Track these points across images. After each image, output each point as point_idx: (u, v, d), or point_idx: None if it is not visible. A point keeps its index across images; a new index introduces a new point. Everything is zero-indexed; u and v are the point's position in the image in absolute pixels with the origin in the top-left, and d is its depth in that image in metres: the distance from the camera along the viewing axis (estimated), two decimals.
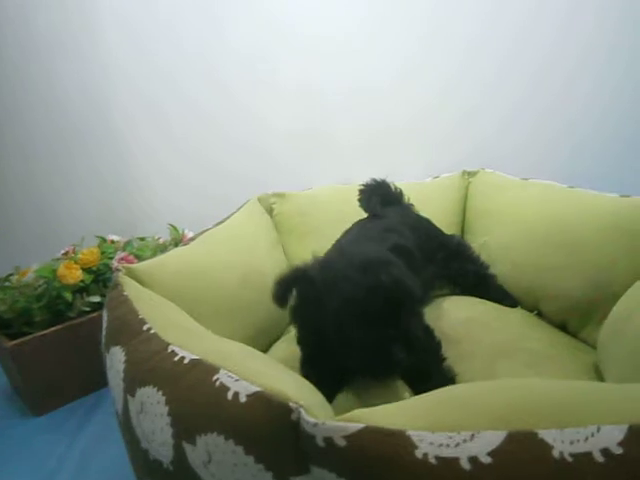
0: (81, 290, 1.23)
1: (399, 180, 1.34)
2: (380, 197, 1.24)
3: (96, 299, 1.23)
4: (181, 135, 1.75)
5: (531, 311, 1.14)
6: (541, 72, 1.73)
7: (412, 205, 1.30)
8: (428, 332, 0.89)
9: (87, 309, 1.23)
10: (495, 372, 0.85)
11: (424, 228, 1.21)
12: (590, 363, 0.91)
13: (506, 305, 1.14)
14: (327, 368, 0.81)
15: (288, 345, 1.05)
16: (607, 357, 0.85)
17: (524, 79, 1.75)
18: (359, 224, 1.19)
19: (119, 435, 1.01)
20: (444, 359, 0.84)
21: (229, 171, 1.77)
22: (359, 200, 1.25)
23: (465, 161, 1.57)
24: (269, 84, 1.74)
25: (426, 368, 0.81)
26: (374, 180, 1.28)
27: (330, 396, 0.76)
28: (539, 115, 1.76)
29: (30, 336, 1.16)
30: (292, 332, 1.14)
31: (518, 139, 1.78)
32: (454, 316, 1.03)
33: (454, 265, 1.18)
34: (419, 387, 0.78)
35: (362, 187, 1.27)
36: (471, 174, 1.51)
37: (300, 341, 0.88)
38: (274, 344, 1.09)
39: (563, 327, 1.09)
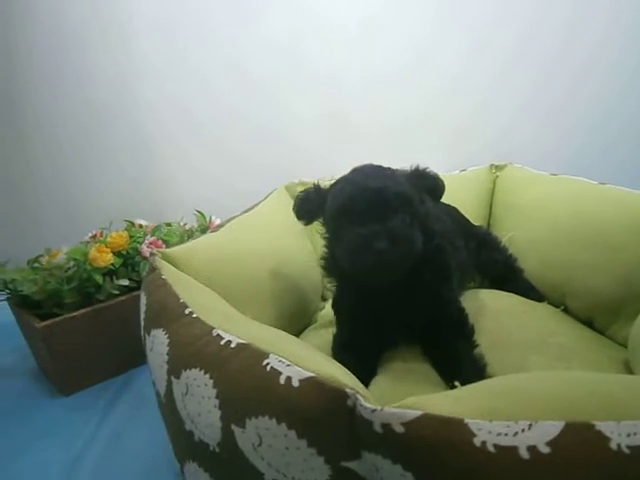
0: (110, 273, 1.25)
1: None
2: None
3: (125, 282, 1.25)
4: (205, 126, 1.75)
5: (557, 306, 1.14)
6: (559, 53, 1.74)
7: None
8: (464, 315, 0.90)
9: (116, 292, 1.24)
10: (526, 364, 0.85)
11: (454, 217, 1.21)
12: (620, 359, 0.91)
13: (533, 299, 1.14)
14: (363, 349, 0.83)
15: (317, 333, 1.06)
16: (638, 354, 0.84)
17: (541, 63, 1.75)
18: None
19: (149, 416, 1.05)
20: (476, 345, 0.85)
21: (253, 161, 1.77)
22: None
23: (485, 149, 1.58)
24: (294, 73, 1.74)
25: (457, 353, 0.82)
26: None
27: (365, 382, 0.77)
28: (558, 99, 1.78)
29: (60, 317, 1.17)
30: (320, 321, 1.16)
31: (537, 124, 1.79)
32: (483, 307, 1.03)
33: (483, 255, 1.18)
34: (450, 372, 0.79)
35: None
36: (499, 168, 1.51)
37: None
38: (303, 332, 1.10)
39: (590, 323, 1.09)
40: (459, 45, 1.75)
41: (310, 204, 0.90)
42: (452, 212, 1.23)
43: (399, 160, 1.38)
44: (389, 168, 0.85)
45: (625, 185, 1.12)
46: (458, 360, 0.81)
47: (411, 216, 0.77)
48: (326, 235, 0.91)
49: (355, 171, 0.85)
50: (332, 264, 0.91)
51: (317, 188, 0.91)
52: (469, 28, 1.72)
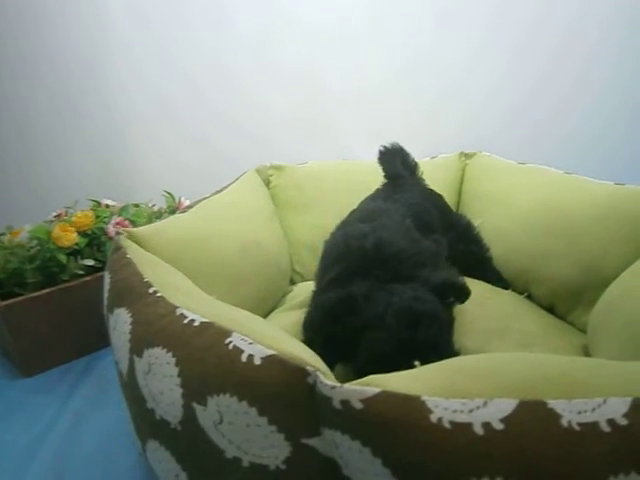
0: (75, 253, 1.22)
1: None
2: (401, 162, 1.27)
3: (90, 263, 1.22)
4: (177, 109, 1.72)
5: (521, 293, 1.17)
6: (528, 41, 1.76)
7: (423, 179, 1.32)
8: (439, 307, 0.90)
9: (80, 272, 1.22)
10: (488, 349, 0.87)
11: (438, 204, 1.23)
12: (579, 344, 0.94)
13: (499, 287, 1.16)
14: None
15: (285, 315, 1.07)
16: (597, 340, 0.87)
17: (511, 53, 1.77)
18: (378, 199, 1.17)
19: (112, 398, 1.04)
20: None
21: (226, 151, 1.75)
22: (380, 161, 1.27)
23: (454, 137, 1.61)
24: (271, 68, 1.73)
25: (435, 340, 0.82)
26: (394, 144, 1.28)
27: (331, 365, 0.77)
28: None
29: (22, 297, 1.14)
30: (288, 303, 1.16)
31: (524, 133, 1.81)
32: None
33: (460, 246, 1.19)
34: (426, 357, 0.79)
35: (383, 149, 1.27)
36: (468, 156, 1.52)
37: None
38: (270, 314, 1.10)
39: (551, 310, 1.12)
40: (429, 30, 1.75)
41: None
42: (437, 201, 1.25)
43: (371, 147, 1.41)
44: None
45: (587, 174, 1.15)
46: (436, 345, 0.81)
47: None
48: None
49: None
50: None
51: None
52: (435, 12, 1.73)
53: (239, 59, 1.70)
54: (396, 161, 1.27)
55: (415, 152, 1.34)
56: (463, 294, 0.82)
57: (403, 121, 1.80)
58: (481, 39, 1.75)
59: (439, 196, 1.28)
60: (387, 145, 1.28)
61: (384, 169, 1.26)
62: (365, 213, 1.07)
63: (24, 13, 1.53)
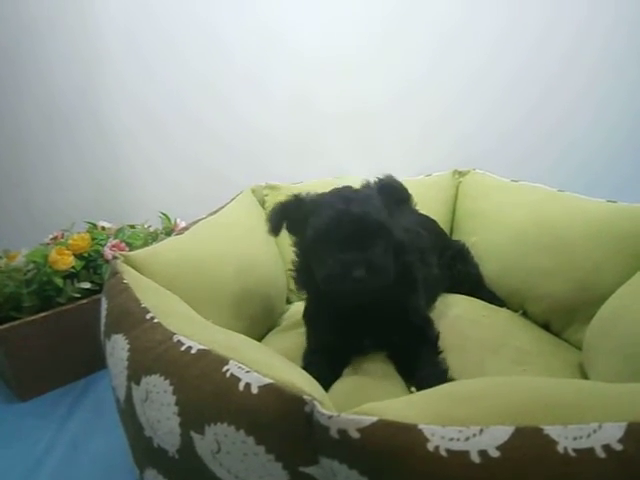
0: (71, 276, 1.22)
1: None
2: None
3: (86, 285, 1.23)
4: (171, 130, 1.73)
5: (516, 311, 1.17)
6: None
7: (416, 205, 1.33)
8: (428, 323, 0.93)
9: (77, 295, 1.22)
10: (483, 367, 0.87)
11: (432, 229, 1.25)
12: (574, 362, 0.94)
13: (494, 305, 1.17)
14: (331, 354, 0.86)
15: (281, 336, 1.07)
16: (593, 356, 0.87)
17: (510, 74, 1.80)
18: None
19: (109, 422, 1.04)
20: (440, 351, 0.87)
21: (220, 172, 1.75)
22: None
23: (449, 156, 1.61)
24: (262, 93, 1.74)
25: (419, 358, 0.84)
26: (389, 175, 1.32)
27: (326, 387, 0.78)
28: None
29: (18, 321, 1.14)
30: (285, 323, 1.16)
31: (526, 146, 1.84)
32: (443, 312, 1.06)
33: (458, 267, 1.21)
34: (411, 376, 0.81)
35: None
36: (462, 174, 1.54)
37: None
38: (267, 335, 1.10)
39: (546, 327, 1.12)
40: (428, 51, 1.77)
41: (288, 218, 0.90)
42: (430, 225, 1.27)
43: (365, 168, 1.41)
44: (364, 188, 0.88)
45: (581, 192, 1.16)
46: (420, 365, 0.83)
47: (387, 243, 0.80)
48: (297, 249, 0.92)
49: (335, 194, 0.86)
50: (305, 278, 0.93)
51: (298, 202, 0.90)
52: (436, 31, 1.75)
53: (232, 82, 1.72)
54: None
55: (409, 172, 1.36)
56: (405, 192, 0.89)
57: (398, 142, 1.82)
58: (478, 63, 1.78)
59: (433, 222, 1.29)
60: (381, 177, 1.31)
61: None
62: None
63: (20, 40, 1.54)
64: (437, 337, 0.90)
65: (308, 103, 1.77)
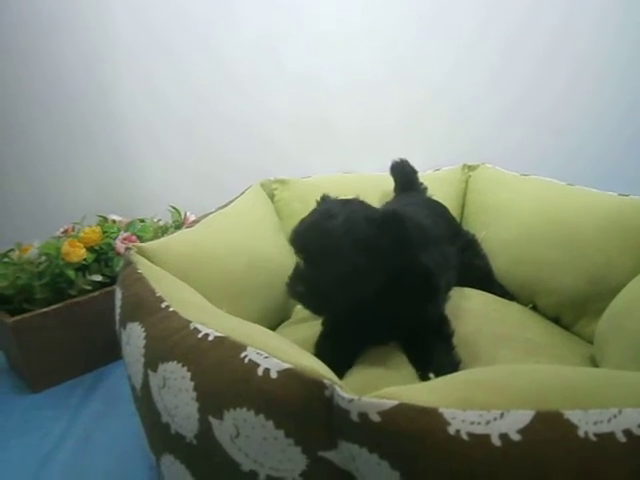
0: (83, 268, 1.23)
1: None
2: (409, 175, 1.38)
3: (97, 278, 1.23)
4: (183, 119, 1.73)
5: (526, 305, 1.17)
6: (541, 68, 1.78)
7: (426, 189, 1.39)
8: (444, 320, 0.93)
9: (88, 288, 1.22)
10: (496, 359, 0.87)
11: (444, 216, 1.26)
12: (585, 355, 0.94)
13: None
14: (341, 342, 0.86)
15: (293, 328, 1.07)
16: (605, 350, 0.87)
17: (524, 74, 1.79)
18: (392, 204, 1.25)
19: (122, 412, 1.05)
20: (453, 347, 0.87)
21: (229, 157, 1.76)
22: (391, 172, 1.40)
23: (464, 156, 1.59)
24: (274, 73, 1.74)
25: (434, 350, 0.84)
26: (404, 159, 1.39)
27: (340, 375, 0.78)
28: (539, 113, 1.82)
29: (31, 313, 1.15)
30: (294, 316, 1.16)
31: (518, 134, 1.83)
32: (455, 305, 1.05)
33: (465, 258, 1.20)
34: (425, 366, 0.81)
35: (395, 162, 1.39)
36: (471, 168, 1.54)
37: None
38: (278, 327, 1.11)
39: (557, 320, 1.12)
40: (441, 52, 1.77)
41: None
42: (442, 210, 1.28)
43: (375, 163, 1.43)
44: (356, 205, 0.87)
45: (616, 189, 1.14)
46: (433, 356, 0.83)
47: (339, 266, 0.79)
48: None
49: (321, 209, 0.88)
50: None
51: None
52: (454, 36, 1.75)
53: (244, 69, 1.72)
54: (406, 174, 1.38)
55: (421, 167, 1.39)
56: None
57: (411, 139, 1.83)
58: (492, 67, 1.79)
59: (444, 207, 1.29)
60: (398, 159, 1.38)
61: (396, 180, 1.38)
62: None
63: (32, 27, 1.54)
64: (452, 334, 0.90)
65: (318, 82, 1.78)
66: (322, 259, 0.80)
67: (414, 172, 1.41)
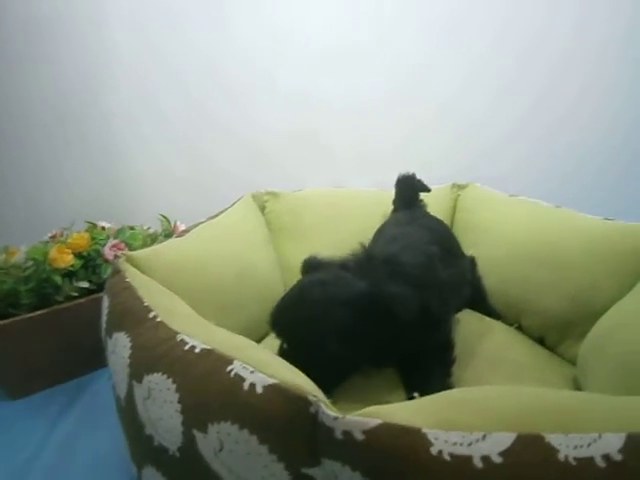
0: (70, 275, 1.22)
1: (390, 188, 1.40)
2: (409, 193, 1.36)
3: (84, 285, 1.22)
4: (177, 128, 1.74)
5: (511, 324, 1.18)
6: (540, 96, 1.82)
7: (426, 205, 1.38)
8: (449, 345, 0.91)
9: (75, 294, 1.21)
10: (480, 380, 0.87)
11: (446, 233, 1.27)
12: (569, 376, 0.95)
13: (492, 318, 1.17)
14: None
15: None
16: (587, 371, 0.88)
17: (530, 92, 1.82)
18: (401, 225, 1.21)
19: (104, 421, 1.03)
20: (450, 375, 0.86)
21: (221, 167, 1.77)
22: (397, 186, 1.38)
23: (462, 173, 1.61)
24: (268, 86, 1.75)
25: (429, 375, 0.84)
26: (409, 173, 1.37)
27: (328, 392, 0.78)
28: (537, 137, 1.86)
29: (15, 318, 1.14)
30: None
31: (515, 157, 1.86)
32: None
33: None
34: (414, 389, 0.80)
35: (401, 176, 1.37)
36: (460, 187, 1.55)
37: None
38: (264, 339, 1.11)
39: (541, 341, 1.13)
40: (441, 75, 1.80)
41: None
42: (443, 228, 1.29)
43: (368, 180, 1.43)
44: (342, 280, 0.84)
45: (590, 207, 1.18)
46: (427, 380, 0.82)
47: (321, 350, 0.77)
48: None
49: (308, 278, 0.88)
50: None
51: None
52: (461, 56, 1.78)
53: (238, 81, 1.73)
54: (411, 189, 1.36)
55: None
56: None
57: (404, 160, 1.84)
58: (503, 81, 1.81)
59: (446, 225, 1.32)
60: (405, 173, 1.37)
61: (401, 194, 1.36)
62: (391, 239, 1.09)
63: (28, 31, 1.54)
64: (454, 361, 0.89)
65: (312, 99, 1.79)
66: (303, 348, 0.78)
67: (419, 188, 1.38)
